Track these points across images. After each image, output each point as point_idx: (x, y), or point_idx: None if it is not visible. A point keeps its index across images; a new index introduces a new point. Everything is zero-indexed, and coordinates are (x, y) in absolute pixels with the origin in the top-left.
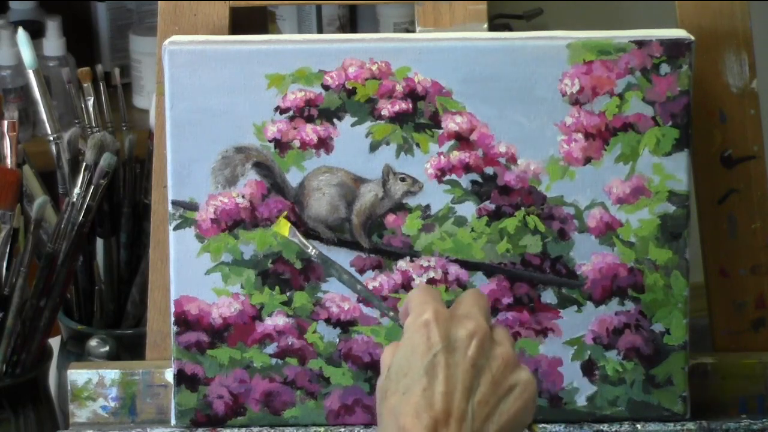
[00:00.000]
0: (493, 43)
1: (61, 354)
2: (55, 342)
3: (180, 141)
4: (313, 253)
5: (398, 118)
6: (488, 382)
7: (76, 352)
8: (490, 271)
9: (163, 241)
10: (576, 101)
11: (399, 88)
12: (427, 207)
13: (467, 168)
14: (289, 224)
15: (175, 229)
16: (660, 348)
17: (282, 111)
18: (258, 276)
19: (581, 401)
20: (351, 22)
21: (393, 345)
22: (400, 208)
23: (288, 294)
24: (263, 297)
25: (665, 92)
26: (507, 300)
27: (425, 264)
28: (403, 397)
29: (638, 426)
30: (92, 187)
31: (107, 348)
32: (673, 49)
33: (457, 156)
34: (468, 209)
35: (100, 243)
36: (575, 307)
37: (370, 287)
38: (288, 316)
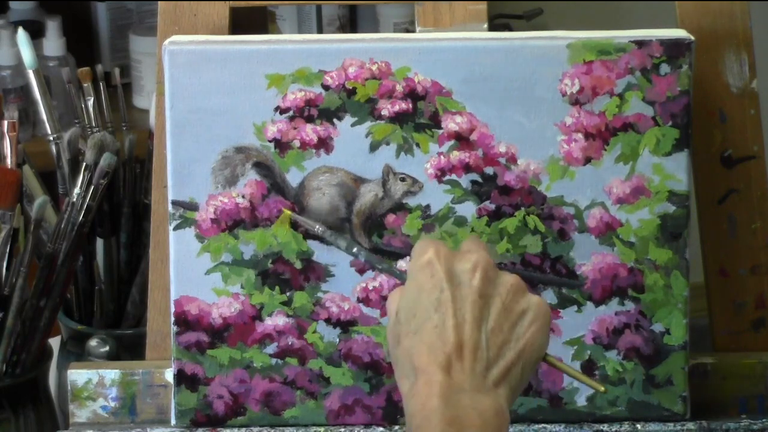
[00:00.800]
0: (493, 43)
1: (61, 354)
2: (55, 342)
3: (180, 141)
4: (319, 231)
5: (398, 118)
6: (498, 310)
7: (76, 352)
8: None
9: (163, 241)
10: (576, 101)
11: (399, 88)
12: (427, 207)
13: (467, 168)
14: (290, 214)
15: (175, 229)
16: (660, 348)
17: (282, 111)
18: (258, 276)
19: (581, 401)
20: (351, 22)
21: (398, 290)
22: (400, 208)
23: (288, 294)
24: (263, 297)
25: (665, 92)
26: None
27: None
28: (416, 337)
29: (638, 426)
30: (92, 187)
31: (107, 348)
32: (673, 49)
33: (457, 156)
34: (468, 209)
35: (100, 243)
36: (575, 307)
37: (371, 287)
38: (288, 316)
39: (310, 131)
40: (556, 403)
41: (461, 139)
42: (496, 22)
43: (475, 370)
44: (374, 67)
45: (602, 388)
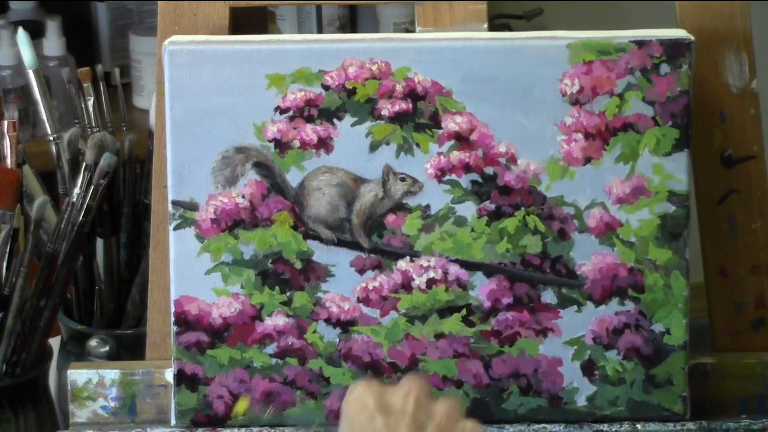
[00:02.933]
0: (493, 43)
1: (61, 354)
2: (55, 342)
3: (180, 141)
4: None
5: (398, 118)
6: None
7: (76, 352)
8: (490, 271)
9: (163, 241)
10: (576, 101)
11: (399, 88)
12: (427, 207)
13: (467, 168)
14: (246, 404)
15: (175, 229)
16: (660, 348)
17: (282, 111)
18: (258, 276)
19: (581, 401)
20: (351, 22)
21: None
22: (400, 208)
23: (288, 294)
24: (263, 297)
25: (665, 92)
26: (507, 300)
27: (425, 264)
28: None
29: (638, 426)
30: (92, 187)
31: (107, 348)
32: (673, 49)
33: (457, 156)
34: (468, 209)
35: (100, 243)
36: (575, 307)
37: (370, 287)
38: (288, 316)
39: (310, 131)
40: (556, 403)
41: (461, 139)
42: (496, 22)
43: None
44: (374, 67)
45: None
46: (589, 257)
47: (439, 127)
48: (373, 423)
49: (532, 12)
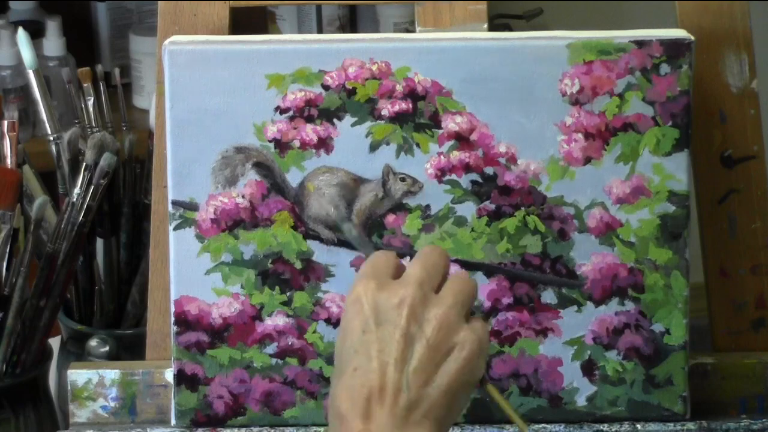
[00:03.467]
0: (493, 43)
1: (61, 354)
2: (55, 342)
3: (180, 141)
4: None
5: (398, 118)
6: (423, 348)
7: (76, 352)
8: (490, 271)
9: (163, 241)
10: (576, 101)
11: (399, 88)
12: (427, 207)
13: (467, 168)
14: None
15: (175, 229)
16: (660, 348)
17: (282, 111)
18: (258, 276)
19: (581, 401)
20: (351, 22)
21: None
22: (400, 208)
23: (288, 294)
24: (263, 297)
25: (665, 92)
26: (507, 300)
27: None
28: (339, 381)
29: (638, 426)
30: (92, 187)
31: (107, 348)
32: (673, 49)
33: (457, 156)
34: (468, 209)
35: (100, 243)
36: (575, 307)
37: None
38: (288, 316)
39: (310, 131)
40: (556, 403)
41: (461, 139)
42: (496, 22)
43: (395, 413)
44: (374, 67)
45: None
46: (589, 257)
47: (439, 127)
48: (364, 333)
49: (532, 12)
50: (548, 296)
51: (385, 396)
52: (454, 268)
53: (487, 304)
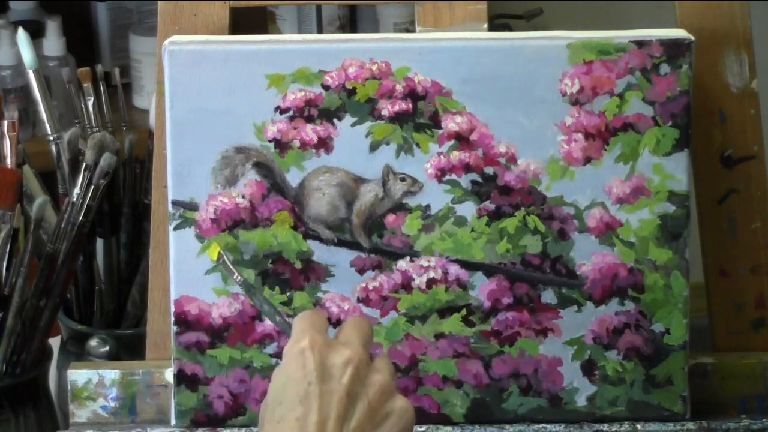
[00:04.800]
0: (493, 43)
1: (61, 354)
2: (55, 342)
3: (180, 141)
4: (238, 280)
5: (398, 118)
6: (364, 409)
7: (76, 352)
8: (490, 271)
9: (163, 241)
10: (576, 101)
11: (399, 88)
12: (427, 207)
13: (467, 168)
14: (218, 249)
15: (175, 229)
16: (660, 348)
17: (282, 111)
18: (258, 276)
19: (581, 401)
20: (351, 22)
21: (276, 371)
22: (400, 208)
23: (288, 294)
24: None
25: (665, 92)
26: (507, 300)
27: (425, 264)
28: (278, 426)
29: (638, 426)
30: (92, 187)
31: (107, 348)
32: (673, 49)
33: (457, 156)
34: (468, 209)
35: (100, 243)
36: (575, 307)
37: (370, 287)
38: (288, 316)
39: (310, 131)
40: (556, 403)
41: (461, 139)
42: (496, 22)
43: None
44: (374, 67)
45: None
46: (589, 257)
47: (439, 127)
48: (309, 386)
49: (532, 12)
50: (548, 296)
51: None
52: (453, 268)
53: (487, 304)
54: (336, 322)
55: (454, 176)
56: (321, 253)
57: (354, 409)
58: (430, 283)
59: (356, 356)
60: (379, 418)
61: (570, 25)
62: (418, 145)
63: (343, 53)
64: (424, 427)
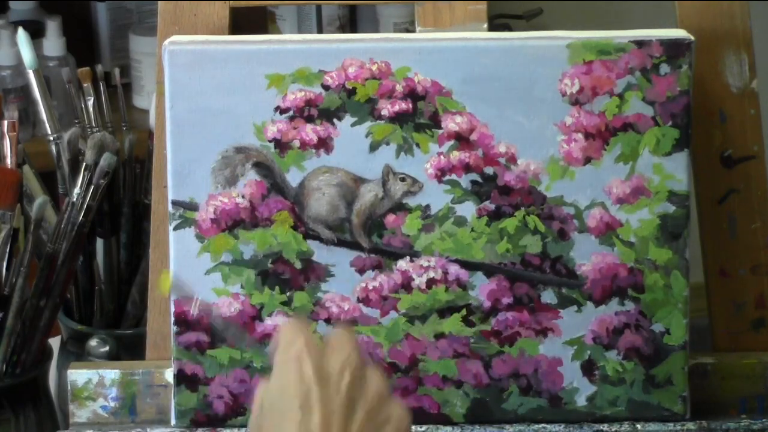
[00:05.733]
0: (493, 43)
1: (61, 354)
2: (55, 342)
3: (180, 141)
4: (195, 311)
5: (398, 118)
6: (364, 412)
7: (76, 352)
8: (490, 271)
9: (163, 241)
10: (576, 101)
11: (399, 88)
12: (427, 207)
13: (467, 168)
14: (170, 280)
15: (175, 229)
16: (660, 348)
17: (282, 111)
18: (258, 276)
19: (581, 401)
20: (351, 22)
21: (264, 381)
22: (400, 208)
23: (288, 294)
24: (263, 297)
25: (665, 92)
26: (507, 300)
27: (425, 264)
28: (278, 430)
29: (638, 426)
30: (92, 187)
31: (107, 348)
32: (673, 49)
33: (457, 156)
34: (468, 209)
35: (100, 243)
36: (575, 307)
37: (370, 287)
38: (288, 316)
39: (310, 131)
40: (556, 403)
41: (461, 139)
42: (496, 22)
43: None
44: (374, 67)
45: None
46: (589, 257)
47: (439, 127)
48: (309, 391)
49: (532, 12)
50: (548, 296)
51: None
52: (453, 268)
53: (487, 304)
54: (336, 322)
55: (454, 176)
56: (321, 253)
57: (355, 414)
58: (430, 283)
59: (353, 360)
60: (379, 422)
61: (570, 25)
62: (418, 145)
63: (343, 53)
64: (424, 427)
